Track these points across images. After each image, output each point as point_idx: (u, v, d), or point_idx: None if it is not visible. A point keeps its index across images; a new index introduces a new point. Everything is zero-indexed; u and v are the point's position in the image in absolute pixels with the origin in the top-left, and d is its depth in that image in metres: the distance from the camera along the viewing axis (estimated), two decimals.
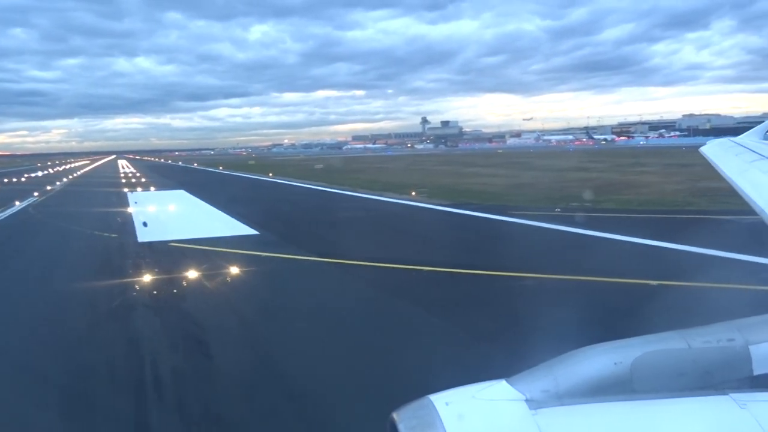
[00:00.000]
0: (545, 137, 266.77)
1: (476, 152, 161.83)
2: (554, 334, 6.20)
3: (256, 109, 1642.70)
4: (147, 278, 14.93)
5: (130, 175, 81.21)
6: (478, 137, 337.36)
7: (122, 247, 19.99)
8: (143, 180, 65.32)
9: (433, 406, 2.14)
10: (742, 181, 5.81)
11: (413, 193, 35.82)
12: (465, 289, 13.23)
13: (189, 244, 19.76)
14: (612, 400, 2.14)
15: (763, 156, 6.30)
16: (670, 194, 30.99)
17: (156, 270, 15.89)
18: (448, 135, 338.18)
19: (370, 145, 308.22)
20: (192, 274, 15.05)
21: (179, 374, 8.69)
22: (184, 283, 14.25)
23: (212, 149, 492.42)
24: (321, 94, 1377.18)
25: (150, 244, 20.33)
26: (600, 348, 2.31)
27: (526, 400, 2.14)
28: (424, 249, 18.60)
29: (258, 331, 10.86)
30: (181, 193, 44.71)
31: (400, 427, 2.09)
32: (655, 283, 12.23)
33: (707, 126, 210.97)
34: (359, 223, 25.82)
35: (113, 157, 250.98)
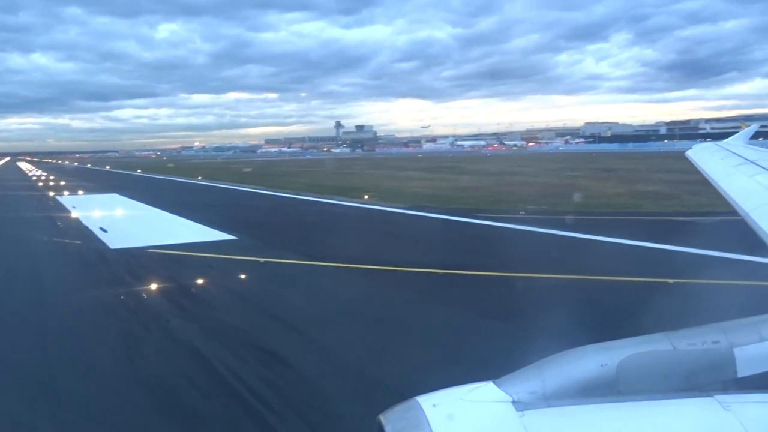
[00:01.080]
0: (458, 142, 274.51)
1: (398, 156, 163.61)
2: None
3: (164, 111, 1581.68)
4: (191, 292, 13.70)
5: (43, 177, 76.18)
6: (393, 142, 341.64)
7: (102, 255, 18.72)
8: (62, 183, 61.52)
9: (421, 407, 2.15)
10: (726, 185, 5.92)
11: (366, 197, 35.85)
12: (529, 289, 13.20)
13: (170, 250, 18.94)
14: (598, 401, 2.16)
15: (748, 160, 6.44)
16: (618, 197, 32.64)
17: (185, 283, 14.43)
18: (364, 139, 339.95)
19: (285, 149, 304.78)
20: (227, 284, 14.47)
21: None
22: (232, 296, 13.40)
23: (116, 151, 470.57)
24: (232, 96, 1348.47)
25: (128, 251, 19.22)
26: (586, 350, 2.36)
27: (513, 402, 2.16)
28: (450, 255, 18.14)
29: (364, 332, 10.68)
30: (116, 197, 42.67)
31: (388, 429, 2.09)
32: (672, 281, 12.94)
33: (608, 133, 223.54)
34: (342, 226, 25.72)
35: (8, 159, 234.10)
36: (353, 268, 15.69)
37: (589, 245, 18.26)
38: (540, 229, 21.47)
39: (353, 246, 19.21)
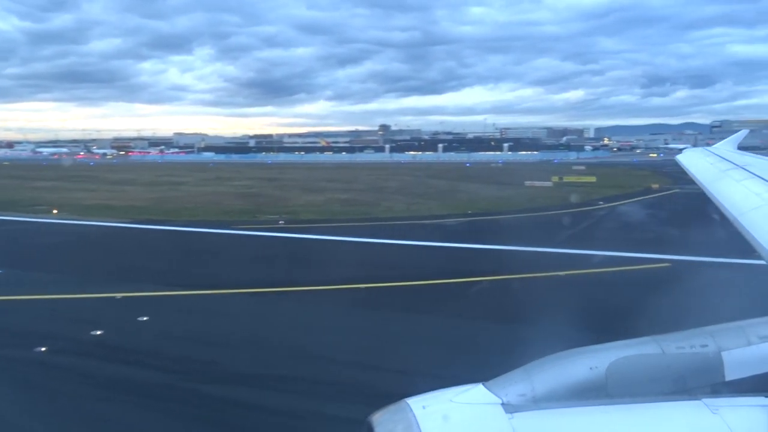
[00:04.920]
0: (38, 149, 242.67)
1: None
2: None
3: None
4: None
5: None
6: None
7: None
8: None
9: (410, 409, 2.19)
10: (715, 189, 5.97)
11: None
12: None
13: None
14: (587, 404, 2.21)
15: (737, 165, 6.43)
16: (316, 204, 36.43)
17: None
18: None
19: None
20: None
21: None
22: None
23: None
24: None
25: None
26: (576, 353, 2.41)
27: (503, 404, 2.20)
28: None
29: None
30: None
31: (378, 430, 2.13)
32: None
33: (202, 144, 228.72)
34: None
35: None
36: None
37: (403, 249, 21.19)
38: (332, 237, 23.53)
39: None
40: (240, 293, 14.59)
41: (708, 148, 9.14)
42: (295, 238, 23.75)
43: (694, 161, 7.95)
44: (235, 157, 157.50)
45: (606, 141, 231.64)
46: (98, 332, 11.40)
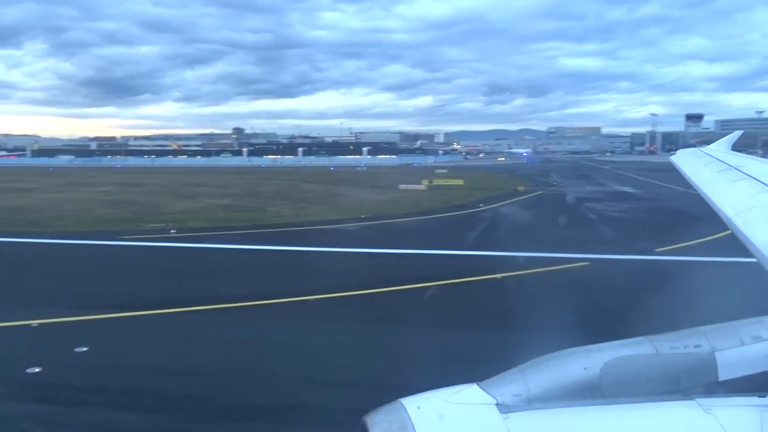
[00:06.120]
0: None
1: None
2: None
3: None
4: None
5: None
6: None
7: None
8: None
9: (405, 409, 2.19)
10: (709, 190, 5.96)
11: None
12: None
13: None
14: (582, 404, 2.21)
15: (731, 165, 6.41)
16: (202, 211, 34.45)
17: None
18: None
19: None
20: None
21: None
22: None
23: None
24: None
25: None
26: (570, 353, 2.41)
27: (497, 404, 2.19)
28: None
29: None
30: None
31: (373, 431, 2.13)
32: None
33: (36, 147, 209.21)
34: None
35: None
36: None
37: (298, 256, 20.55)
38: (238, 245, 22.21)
39: None
40: (173, 313, 13.04)
41: (702, 149, 8.93)
42: (201, 249, 22.07)
43: (689, 162, 7.91)
44: (78, 161, 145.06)
45: (455, 145, 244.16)
46: (36, 369, 9.55)
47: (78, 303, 13.82)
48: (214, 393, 8.98)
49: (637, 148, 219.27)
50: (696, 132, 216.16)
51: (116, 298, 14.32)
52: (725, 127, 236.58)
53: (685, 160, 8.14)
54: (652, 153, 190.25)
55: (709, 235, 22.56)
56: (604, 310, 12.69)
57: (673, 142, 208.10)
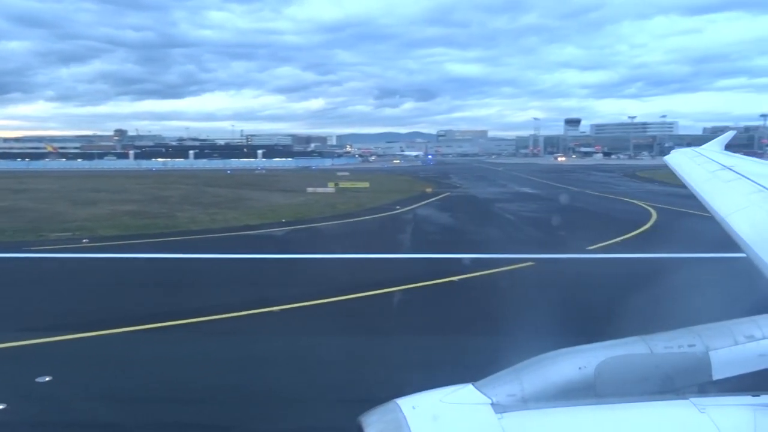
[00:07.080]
0: None
1: None
2: None
3: None
4: None
5: None
6: None
7: None
8: None
9: (400, 409, 2.20)
10: (703, 190, 6.03)
11: None
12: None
13: None
14: (576, 404, 2.23)
15: (724, 165, 6.48)
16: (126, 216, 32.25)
17: None
18: None
19: None
20: None
21: None
22: None
23: None
24: None
25: None
26: (565, 353, 2.43)
27: (492, 404, 2.21)
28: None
29: None
30: None
31: (368, 431, 2.14)
32: None
33: None
34: None
35: None
36: None
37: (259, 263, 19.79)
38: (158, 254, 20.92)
39: None
40: (129, 332, 11.91)
41: (696, 149, 8.91)
42: (131, 259, 20.42)
43: (683, 163, 7.96)
44: None
45: (348, 148, 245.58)
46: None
47: (17, 325, 12.16)
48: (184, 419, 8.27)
49: (522, 151, 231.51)
50: (575, 135, 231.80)
51: (62, 317, 12.95)
52: (599, 131, 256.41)
53: (678, 160, 8.24)
54: (536, 155, 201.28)
55: (625, 234, 24.14)
56: (591, 308, 12.96)
57: (554, 144, 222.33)
